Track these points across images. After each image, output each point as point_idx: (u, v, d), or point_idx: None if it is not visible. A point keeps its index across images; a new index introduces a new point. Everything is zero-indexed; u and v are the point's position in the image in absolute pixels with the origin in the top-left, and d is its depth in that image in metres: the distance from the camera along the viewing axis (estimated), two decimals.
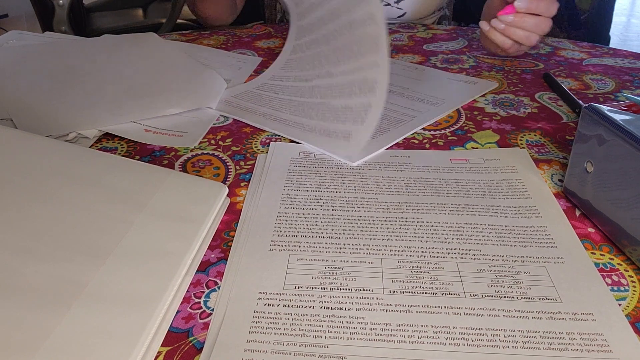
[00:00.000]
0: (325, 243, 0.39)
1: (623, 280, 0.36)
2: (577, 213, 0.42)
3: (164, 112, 0.57)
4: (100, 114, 0.54)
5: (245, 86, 0.66)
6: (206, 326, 0.32)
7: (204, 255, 0.38)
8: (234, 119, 0.57)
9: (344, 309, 0.33)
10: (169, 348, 0.31)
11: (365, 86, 0.49)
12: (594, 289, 0.35)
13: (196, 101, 0.59)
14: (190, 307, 0.33)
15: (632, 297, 0.34)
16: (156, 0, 1.50)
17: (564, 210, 0.43)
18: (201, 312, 0.33)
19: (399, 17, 0.92)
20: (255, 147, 0.52)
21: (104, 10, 1.44)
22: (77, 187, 0.38)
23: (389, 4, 0.90)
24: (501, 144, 0.53)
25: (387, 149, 0.51)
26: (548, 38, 0.85)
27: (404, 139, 0.53)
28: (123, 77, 0.63)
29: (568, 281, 0.35)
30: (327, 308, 0.33)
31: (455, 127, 0.56)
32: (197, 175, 0.47)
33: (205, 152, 0.51)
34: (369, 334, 0.31)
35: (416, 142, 0.53)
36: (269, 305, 0.33)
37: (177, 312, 0.33)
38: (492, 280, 0.35)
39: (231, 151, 0.52)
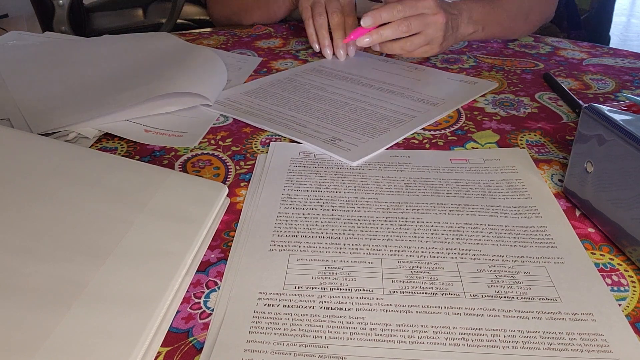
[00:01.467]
0: (325, 243, 0.39)
1: (623, 281, 0.36)
2: (577, 213, 0.42)
3: (166, 91, 0.56)
4: (100, 111, 0.54)
5: (245, 86, 0.66)
6: (206, 326, 0.32)
7: (204, 255, 0.38)
8: (234, 119, 0.57)
9: (344, 309, 0.33)
10: (169, 348, 0.31)
11: None
12: (594, 289, 0.35)
13: (198, 88, 0.59)
14: (190, 307, 0.33)
15: (632, 297, 0.34)
16: (156, 0, 1.50)
17: (564, 210, 0.43)
18: (201, 312, 0.33)
19: None
20: (255, 147, 0.52)
21: (104, 10, 1.44)
22: (77, 187, 0.38)
23: None
24: (501, 144, 0.53)
25: (387, 149, 0.51)
26: (548, 38, 0.85)
27: (404, 139, 0.53)
28: (123, 74, 0.63)
29: (568, 281, 0.35)
30: (327, 308, 0.33)
31: (455, 127, 0.56)
32: (197, 175, 0.47)
33: (205, 152, 0.51)
34: (369, 334, 0.31)
35: (416, 142, 0.53)
36: (269, 305, 0.33)
37: (177, 312, 0.33)
38: (492, 281, 0.35)
39: (231, 151, 0.51)
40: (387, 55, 0.78)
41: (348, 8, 0.75)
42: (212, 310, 0.33)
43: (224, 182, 0.47)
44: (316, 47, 0.76)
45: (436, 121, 0.57)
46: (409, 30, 0.64)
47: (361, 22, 0.65)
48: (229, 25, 0.94)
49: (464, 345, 0.30)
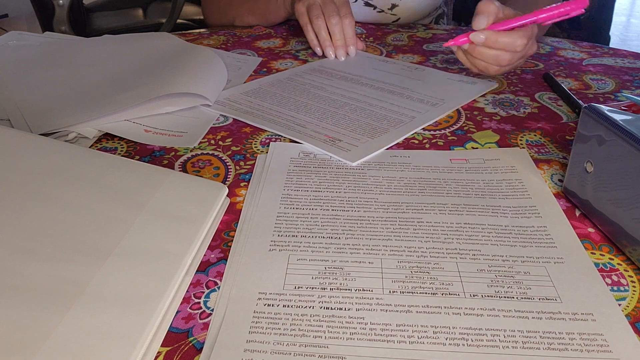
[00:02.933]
0: (325, 243, 0.39)
1: (623, 280, 0.36)
2: (577, 213, 0.42)
3: (166, 91, 0.56)
4: (100, 112, 0.54)
5: (245, 86, 0.66)
6: (206, 326, 0.32)
7: (204, 255, 0.38)
8: (234, 119, 0.57)
9: (344, 309, 0.33)
10: (169, 348, 0.31)
11: None
12: (594, 289, 0.35)
13: (198, 88, 0.59)
14: (190, 307, 0.33)
15: (632, 297, 0.34)
16: (156, 0, 1.50)
17: (564, 210, 0.43)
18: (201, 312, 0.33)
19: (393, 22, 0.93)
20: (255, 147, 0.52)
21: (104, 10, 1.44)
22: (77, 187, 0.38)
23: (382, 11, 0.90)
24: (501, 144, 0.53)
25: (387, 149, 0.51)
26: (548, 38, 0.85)
27: (404, 139, 0.53)
28: (122, 74, 0.63)
29: (568, 281, 0.35)
30: (327, 308, 0.33)
31: (455, 127, 0.56)
32: (197, 175, 0.47)
33: (205, 152, 0.51)
34: (369, 334, 0.31)
35: (416, 142, 0.53)
36: (268, 305, 0.33)
37: (177, 312, 0.33)
38: (492, 280, 0.35)
39: (231, 151, 0.52)
40: (387, 56, 0.78)
41: (344, 9, 0.75)
42: (212, 310, 0.33)
43: (223, 182, 0.47)
44: (318, 51, 0.76)
45: (436, 121, 0.57)
46: (509, 63, 0.60)
47: (471, 36, 0.58)
48: (228, 25, 0.94)
49: (464, 345, 0.30)
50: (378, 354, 0.30)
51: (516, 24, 0.57)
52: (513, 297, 0.34)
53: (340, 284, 0.35)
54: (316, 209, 0.42)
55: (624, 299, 0.34)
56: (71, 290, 0.30)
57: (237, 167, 0.49)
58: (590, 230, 0.41)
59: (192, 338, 0.31)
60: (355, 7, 0.87)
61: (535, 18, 0.57)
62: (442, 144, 0.53)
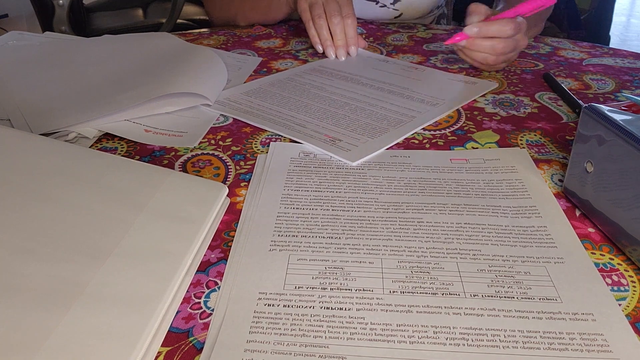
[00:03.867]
0: (325, 243, 0.39)
1: (623, 280, 0.36)
2: (577, 213, 0.42)
3: (167, 91, 0.56)
4: (100, 112, 0.54)
5: (245, 86, 0.66)
6: (206, 326, 0.32)
7: (204, 255, 0.38)
8: (234, 119, 0.57)
9: (344, 309, 0.33)
10: (169, 348, 0.31)
11: None
12: (594, 289, 0.35)
13: (198, 88, 0.59)
14: (190, 307, 0.33)
15: (632, 297, 0.34)
16: (156, 0, 1.50)
17: (564, 210, 0.43)
18: (201, 312, 0.33)
19: (395, 17, 0.92)
20: (255, 147, 0.52)
21: (104, 10, 1.44)
22: (77, 187, 0.38)
23: (384, 6, 0.90)
24: (501, 144, 0.53)
25: (387, 149, 0.51)
26: (548, 38, 0.85)
27: (404, 139, 0.53)
28: (122, 74, 0.63)
29: (568, 281, 0.35)
30: (327, 308, 0.33)
31: (455, 127, 0.56)
32: (197, 175, 0.47)
33: (205, 152, 0.51)
34: (369, 334, 0.31)
35: (416, 142, 0.53)
36: (269, 305, 0.33)
37: (177, 312, 0.33)
38: (492, 280, 0.35)
39: (231, 151, 0.52)
40: (387, 55, 0.78)
41: (347, 9, 0.75)
42: (212, 310, 0.33)
43: (224, 182, 0.47)
44: (319, 48, 0.76)
45: (436, 121, 0.57)
46: (503, 51, 0.65)
47: (465, 30, 0.65)
48: (228, 25, 0.94)
49: (464, 345, 0.30)
50: (378, 354, 0.30)
51: (501, 17, 0.64)
52: (513, 297, 0.34)
53: (341, 284, 0.35)
54: (316, 209, 0.42)
55: (624, 299, 0.34)
56: (71, 290, 0.30)
57: (237, 167, 0.49)
58: (590, 230, 0.41)
59: (192, 338, 0.31)
60: (357, 2, 0.86)
61: (517, 10, 0.65)
62: (442, 144, 0.53)
